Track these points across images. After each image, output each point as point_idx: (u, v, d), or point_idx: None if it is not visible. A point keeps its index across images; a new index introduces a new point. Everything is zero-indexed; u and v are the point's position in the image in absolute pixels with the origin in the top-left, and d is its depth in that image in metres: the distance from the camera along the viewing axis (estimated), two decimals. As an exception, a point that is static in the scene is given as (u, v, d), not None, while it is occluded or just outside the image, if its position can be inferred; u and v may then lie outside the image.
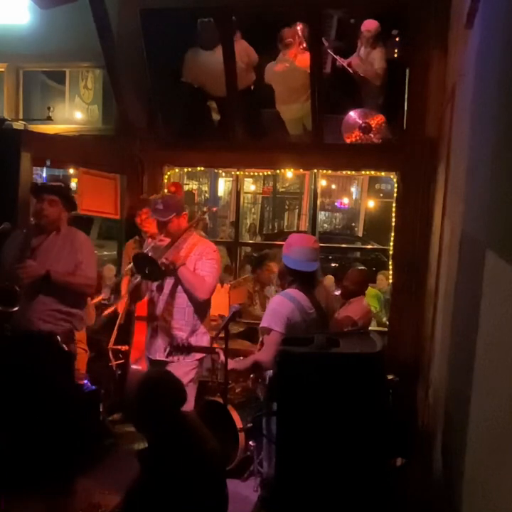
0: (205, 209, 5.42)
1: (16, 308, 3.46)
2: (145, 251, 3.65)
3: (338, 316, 4.62)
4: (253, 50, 5.40)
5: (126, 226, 5.58)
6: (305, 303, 3.18)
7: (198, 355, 3.76)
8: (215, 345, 3.75)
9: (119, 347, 4.96)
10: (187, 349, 3.50)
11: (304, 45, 5.26)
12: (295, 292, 3.19)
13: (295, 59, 5.28)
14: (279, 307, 3.16)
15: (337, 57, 5.27)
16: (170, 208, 3.71)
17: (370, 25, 5.15)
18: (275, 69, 5.37)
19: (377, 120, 5.11)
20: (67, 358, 3.91)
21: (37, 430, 3.57)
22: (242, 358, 3.80)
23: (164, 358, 3.71)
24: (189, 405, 3.57)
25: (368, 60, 5.22)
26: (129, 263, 4.83)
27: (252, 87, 5.56)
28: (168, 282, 3.73)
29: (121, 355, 4.96)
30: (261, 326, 3.20)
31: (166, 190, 5.39)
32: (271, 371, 3.17)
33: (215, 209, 6.17)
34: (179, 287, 3.69)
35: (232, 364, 3.40)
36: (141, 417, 2.73)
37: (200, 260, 3.72)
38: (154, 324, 3.78)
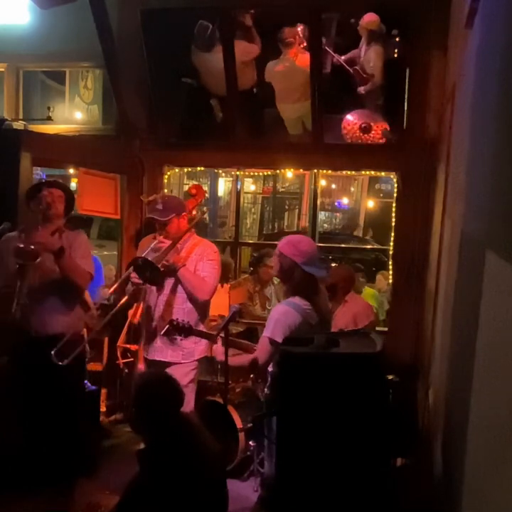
0: (204, 209, 5.43)
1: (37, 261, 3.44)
2: (144, 255, 3.64)
3: (350, 323, 4.65)
4: (253, 46, 5.34)
5: (127, 224, 5.58)
6: (309, 310, 3.16)
7: (198, 356, 3.76)
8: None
9: (129, 346, 4.96)
10: (186, 330, 3.45)
11: (304, 44, 5.26)
12: (299, 300, 3.15)
13: (295, 58, 5.27)
14: (283, 317, 3.09)
15: (335, 55, 5.27)
16: (170, 208, 3.71)
17: (368, 18, 5.12)
18: (275, 68, 5.37)
19: (379, 126, 5.08)
20: (85, 359, 3.93)
21: (39, 430, 3.58)
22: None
23: (163, 359, 3.71)
24: (189, 406, 3.56)
25: (365, 58, 5.22)
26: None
27: (255, 90, 5.54)
28: (168, 282, 3.73)
29: (130, 354, 4.97)
30: (263, 335, 3.17)
31: (163, 192, 5.39)
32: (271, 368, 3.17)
33: (206, 210, 6.24)
34: (179, 287, 3.70)
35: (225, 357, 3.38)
36: (139, 418, 2.73)
37: (201, 261, 3.73)
38: (153, 324, 3.78)
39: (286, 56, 5.31)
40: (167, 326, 3.45)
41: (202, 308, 3.78)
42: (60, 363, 3.41)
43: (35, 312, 3.60)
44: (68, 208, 3.85)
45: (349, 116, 5.17)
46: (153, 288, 3.77)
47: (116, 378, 5.07)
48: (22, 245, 3.42)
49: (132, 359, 4.91)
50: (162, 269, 3.57)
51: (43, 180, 3.96)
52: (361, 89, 5.18)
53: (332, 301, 4.83)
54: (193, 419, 2.86)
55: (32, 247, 3.41)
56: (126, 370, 4.95)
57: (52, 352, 3.42)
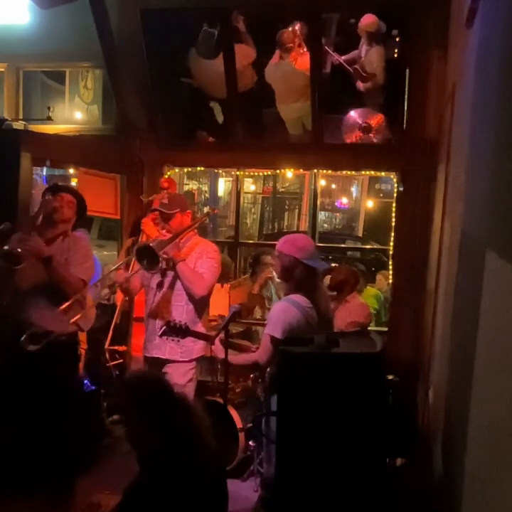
0: (208, 209, 5.45)
1: (20, 266, 3.40)
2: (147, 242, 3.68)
3: (345, 321, 4.64)
4: (251, 49, 5.39)
5: (127, 224, 5.58)
6: (309, 308, 3.16)
7: (196, 355, 3.76)
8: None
9: (117, 347, 4.95)
10: (183, 331, 3.44)
11: (304, 49, 5.26)
12: (298, 297, 3.16)
13: (295, 62, 5.28)
14: (283, 314, 3.11)
15: (334, 55, 5.27)
16: (175, 203, 3.80)
17: (366, 20, 5.14)
18: (275, 73, 5.37)
19: (377, 119, 5.11)
20: (77, 360, 3.92)
21: (38, 430, 3.58)
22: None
23: (161, 356, 3.71)
24: None
25: (367, 59, 5.22)
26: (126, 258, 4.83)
27: (255, 87, 5.55)
28: (167, 279, 3.74)
29: (118, 356, 4.96)
30: (264, 333, 3.18)
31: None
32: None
33: (216, 211, 6.20)
34: (178, 285, 3.70)
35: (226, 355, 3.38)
36: (133, 420, 2.70)
37: (201, 258, 3.76)
38: (152, 322, 3.77)
39: (285, 60, 5.32)
40: (164, 327, 3.45)
41: (200, 305, 3.78)
42: (28, 349, 3.37)
43: (26, 309, 3.61)
44: (79, 214, 3.87)
45: (349, 116, 5.19)
46: (153, 285, 3.78)
47: (112, 379, 5.06)
48: (6, 247, 3.39)
49: (121, 360, 4.89)
50: (161, 260, 3.59)
51: (59, 185, 3.99)
52: (361, 86, 5.18)
53: (335, 301, 4.85)
54: (193, 418, 2.85)
55: (19, 250, 3.37)
56: (117, 372, 4.93)
57: (23, 337, 3.38)
